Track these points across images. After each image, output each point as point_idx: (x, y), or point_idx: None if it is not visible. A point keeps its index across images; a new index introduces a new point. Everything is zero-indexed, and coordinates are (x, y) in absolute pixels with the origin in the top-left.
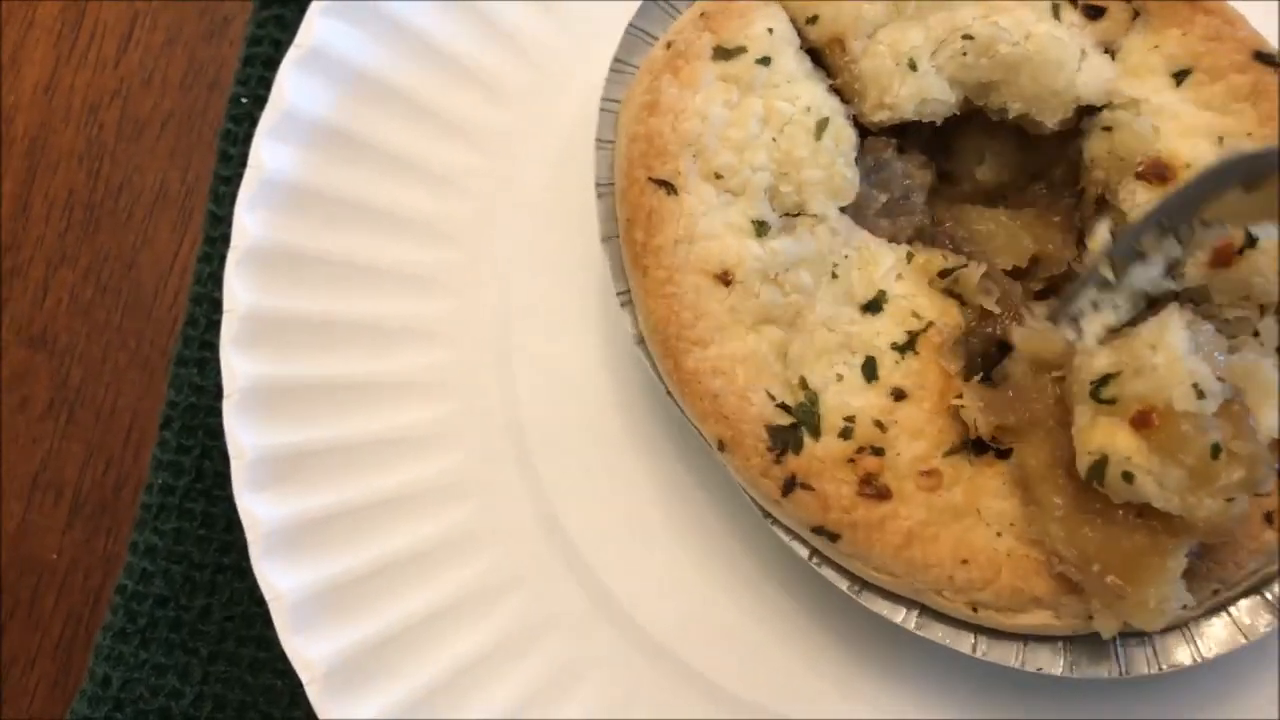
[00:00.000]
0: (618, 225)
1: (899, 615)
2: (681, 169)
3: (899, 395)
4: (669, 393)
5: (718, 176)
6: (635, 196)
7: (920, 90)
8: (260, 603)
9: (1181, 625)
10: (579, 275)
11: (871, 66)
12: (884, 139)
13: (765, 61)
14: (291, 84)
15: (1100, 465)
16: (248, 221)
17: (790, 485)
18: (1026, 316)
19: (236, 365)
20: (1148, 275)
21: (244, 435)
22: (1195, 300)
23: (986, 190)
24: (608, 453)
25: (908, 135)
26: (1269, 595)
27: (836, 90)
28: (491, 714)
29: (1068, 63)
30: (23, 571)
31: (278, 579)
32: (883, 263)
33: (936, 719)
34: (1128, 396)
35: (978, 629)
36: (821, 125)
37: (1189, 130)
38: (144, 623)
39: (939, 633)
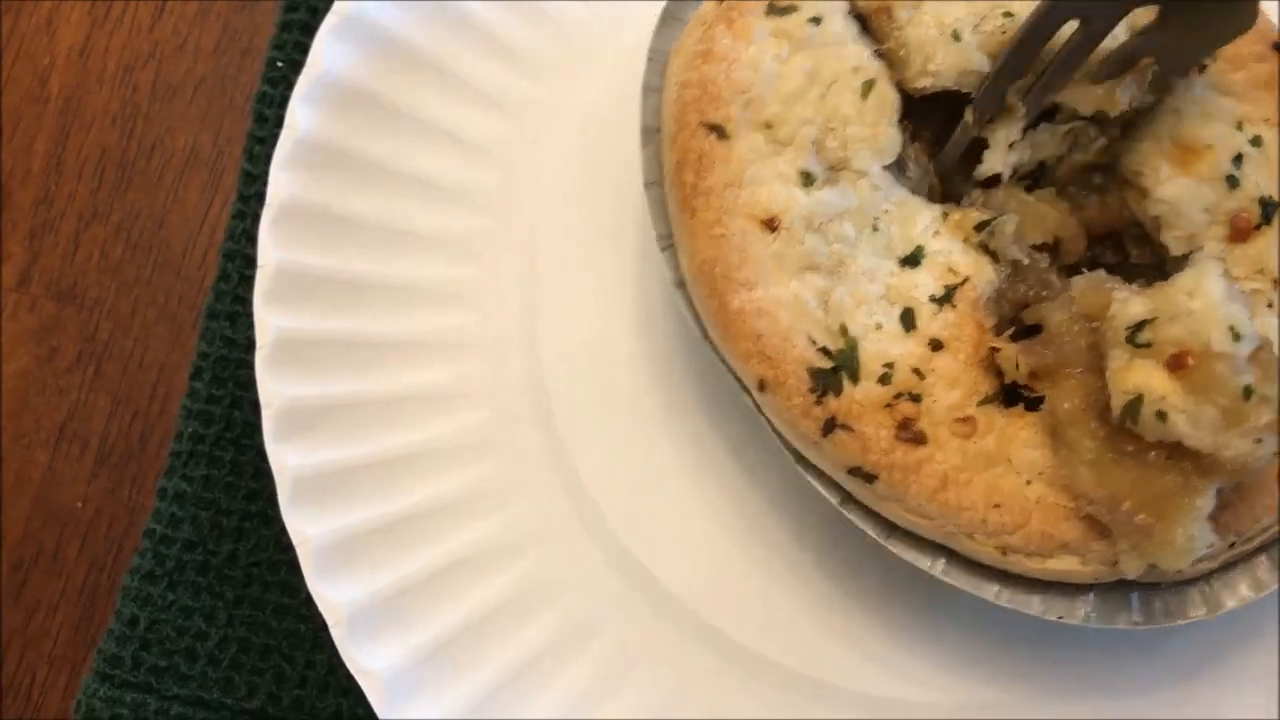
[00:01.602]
0: (662, 171)
1: (926, 563)
2: (733, 115)
3: (936, 346)
4: (705, 336)
5: (767, 126)
6: (686, 140)
7: (962, 60)
8: (285, 549)
9: (1198, 580)
10: (605, 241)
11: (916, 35)
12: (904, 122)
13: (816, 21)
14: (328, 49)
15: (1135, 405)
16: (281, 181)
17: (830, 426)
18: (1054, 281)
19: (268, 319)
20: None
21: (274, 386)
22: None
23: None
24: (628, 412)
25: (933, 113)
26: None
27: (881, 55)
28: (508, 663)
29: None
30: (47, 519)
31: (304, 525)
32: (921, 219)
33: (953, 680)
34: (1163, 340)
35: (1002, 576)
36: (868, 86)
37: (1210, 115)
38: (171, 565)
39: (960, 577)
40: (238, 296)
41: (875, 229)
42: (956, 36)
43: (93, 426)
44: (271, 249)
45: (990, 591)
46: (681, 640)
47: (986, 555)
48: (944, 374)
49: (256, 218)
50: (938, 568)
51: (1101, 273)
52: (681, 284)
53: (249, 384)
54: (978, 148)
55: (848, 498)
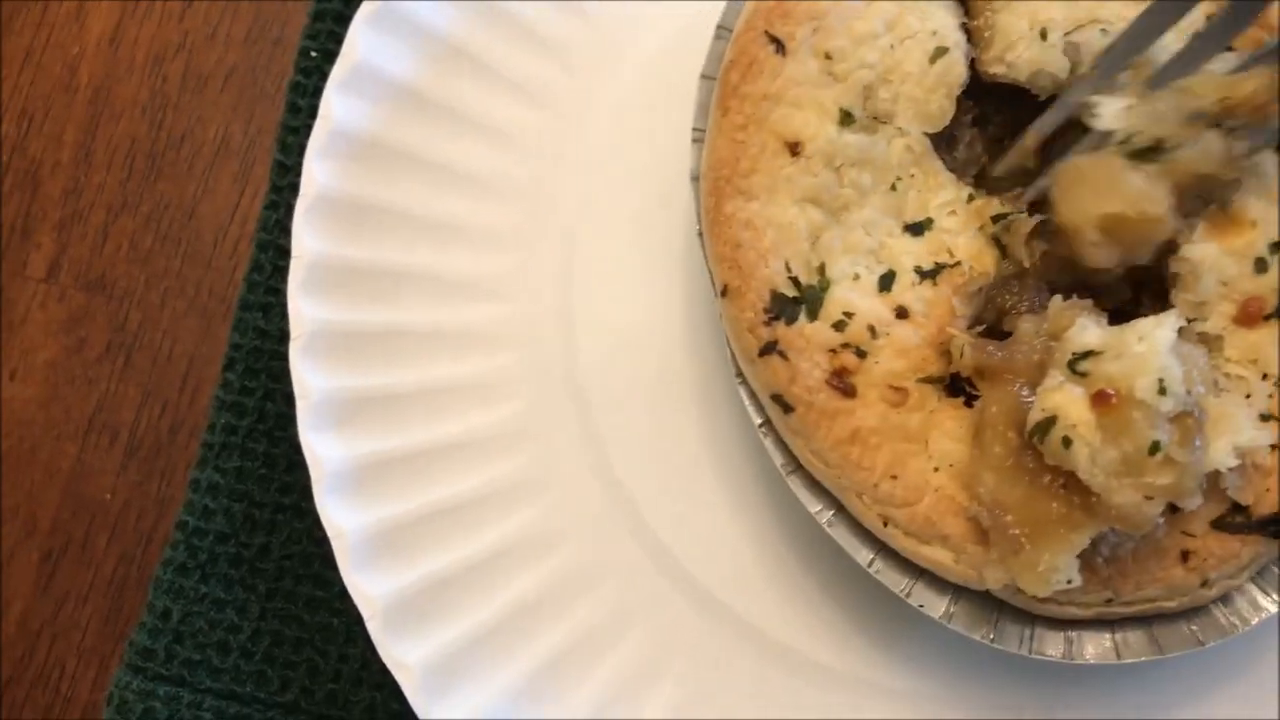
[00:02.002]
0: (719, 65)
1: (815, 507)
2: (798, 35)
3: (902, 313)
4: (700, 233)
5: (827, 57)
6: (746, 43)
7: (1040, 60)
8: (318, 542)
9: (1066, 625)
10: (640, 233)
11: (1007, 21)
12: (970, 102)
13: None
14: (362, 38)
15: (1046, 424)
16: (316, 171)
17: (769, 348)
18: (1043, 302)
19: (303, 309)
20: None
21: (309, 377)
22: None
23: None
24: (664, 406)
25: (1007, 107)
26: (1156, 633)
27: (966, 30)
28: (544, 656)
29: (1193, 88)
30: (76, 510)
31: (339, 517)
32: (942, 194)
33: (996, 679)
34: (1099, 374)
35: (880, 547)
36: (939, 52)
37: (1268, 194)
38: (204, 558)
39: (843, 533)
40: (271, 287)
41: (893, 188)
42: (1044, 35)
43: (122, 418)
44: (306, 239)
45: (865, 558)
46: (719, 635)
47: (868, 520)
48: (898, 342)
49: (290, 208)
50: (824, 517)
51: (1087, 303)
52: (696, 179)
53: (282, 376)
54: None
55: (768, 422)
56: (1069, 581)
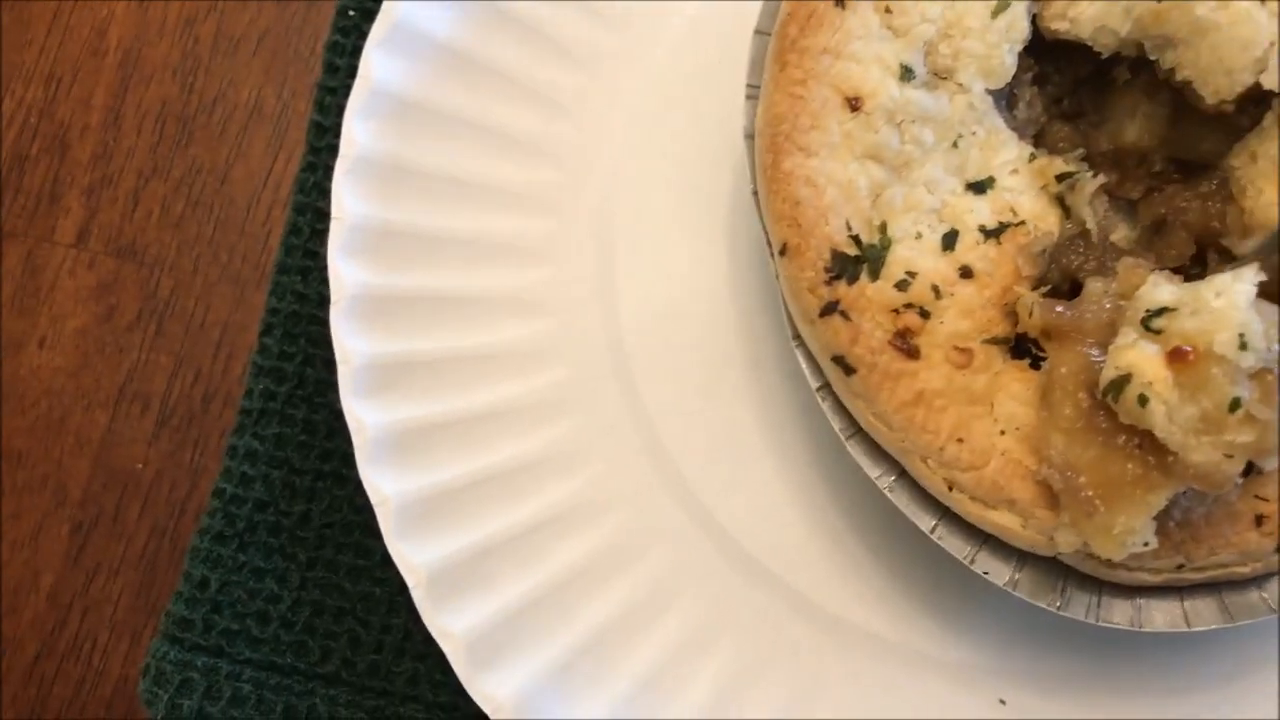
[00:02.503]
0: (773, 21)
1: (875, 472)
2: None
3: (966, 273)
4: (754, 192)
5: (887, 10)
6: None
7: (1104, 16)
8: (359, 510)
9: (1134, 592)
10: (681, 197)
11: None
12: (1030, 60)
13: None
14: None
15: (1121, 382)
16: (357, 131)
17: (831, 308)
18: (1110, 262)
19: (344, 272)
20: None
21: (350, 341)
22: None
23: (1120, 152)
24: (707, 371)
25: (1061, 67)
26: (1226, 600)
27: None
28: (591, 624)
29: (1254, 46)
30: (108, 481)
31: (383, 483)
32: (1004, 153)
33: (1048, 650)
34: (1174, 331)
35: (943, 513)
36: (1002, 6)
37: None
38: (242, 526)
39: (904, 499)
40: (309, 251)
41: (955, 145)
42: None
43: (154, 387)
44: (347, 200)
45: (927, 523)
46: (768, 605)
47: (932, 484)
48: (962, 302)
49: (328, 170)
50: (885, 481)
51: (1157, 269)
52: (751, 136)
53: (321, 340)
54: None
55: (826, 386)
56: (1145, 544)
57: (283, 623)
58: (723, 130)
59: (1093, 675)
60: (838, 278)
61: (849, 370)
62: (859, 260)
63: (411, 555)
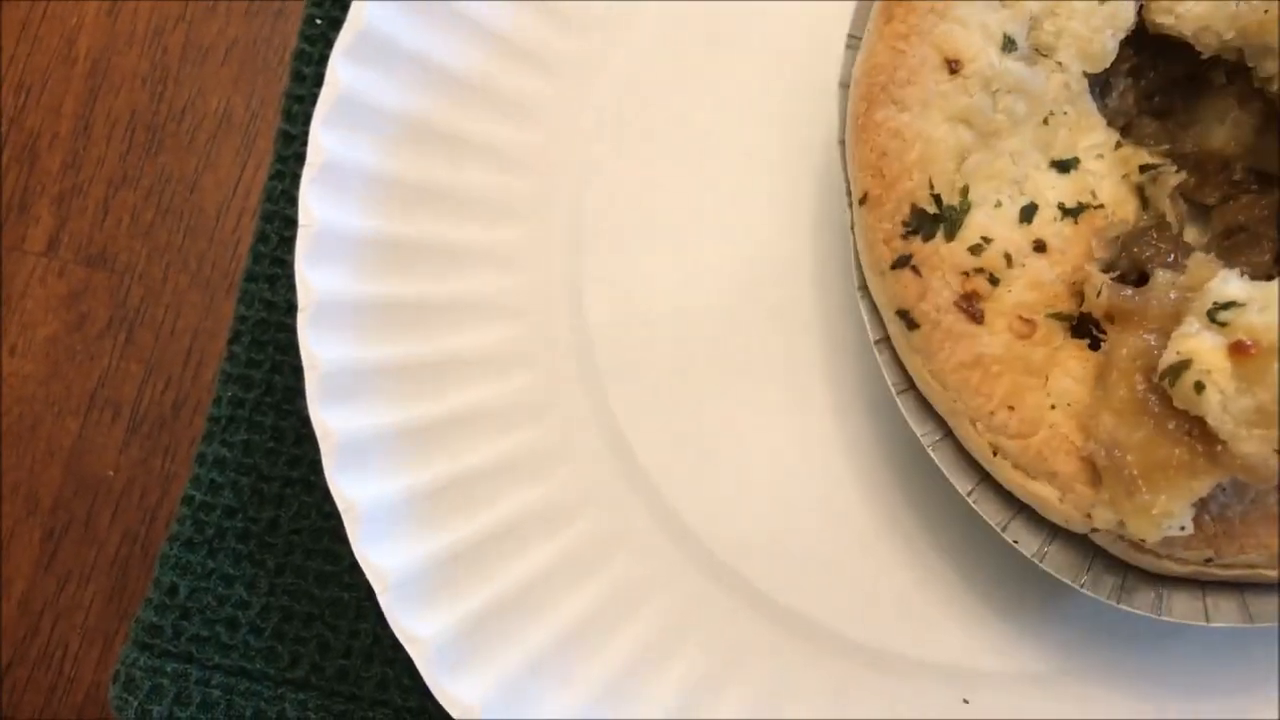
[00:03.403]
0: None
1: (923, 429)
2: None
3: (1040, 247)
4: (841, 141)
5: None
6: None
7: (1210, 16)
8: (327, 516)
9: (1159, 580)
10: (648, 202)
11: None
12: (1130, 51)
13: None
14: (369, 6)
15: (1180, 367)
16: (323, 139)
17: (903, 261)
18: (1181, 258)
19: (310, 279)
20: None
21: (317, 348)
22: None
23: (1204, 155)
24: (674, 376)
25: (1159, 64)
26: (1249, 601)
27: None
28: (558, 627)
29: None
30: (79, 488)
31: (349, 490)
32: (1093, 136)
33: (1015, 648)
34: (1239, 324)
35: (982, 478)
36: None
37: None
38: (211, 533)
39: (948, 457)
40: (277, 259)
41: (1045, 122)
42: None
43: (124, 394)
44: (313, 208)
45: (965, 485)
46: (735, 607)
47: (977, 448)
48: (1032, 273)
49: (295, 178)
50: (929, 439)
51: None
52: (846, 85)
53: (289, 347)
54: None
55: (884, 339)
56: (1181, 528)
57: (252, 628)
58: (689, 131)
59: (1058, 675)
60: (914, 233)
61: (912, 325)
62: (937, 219)
63: (378, 560)
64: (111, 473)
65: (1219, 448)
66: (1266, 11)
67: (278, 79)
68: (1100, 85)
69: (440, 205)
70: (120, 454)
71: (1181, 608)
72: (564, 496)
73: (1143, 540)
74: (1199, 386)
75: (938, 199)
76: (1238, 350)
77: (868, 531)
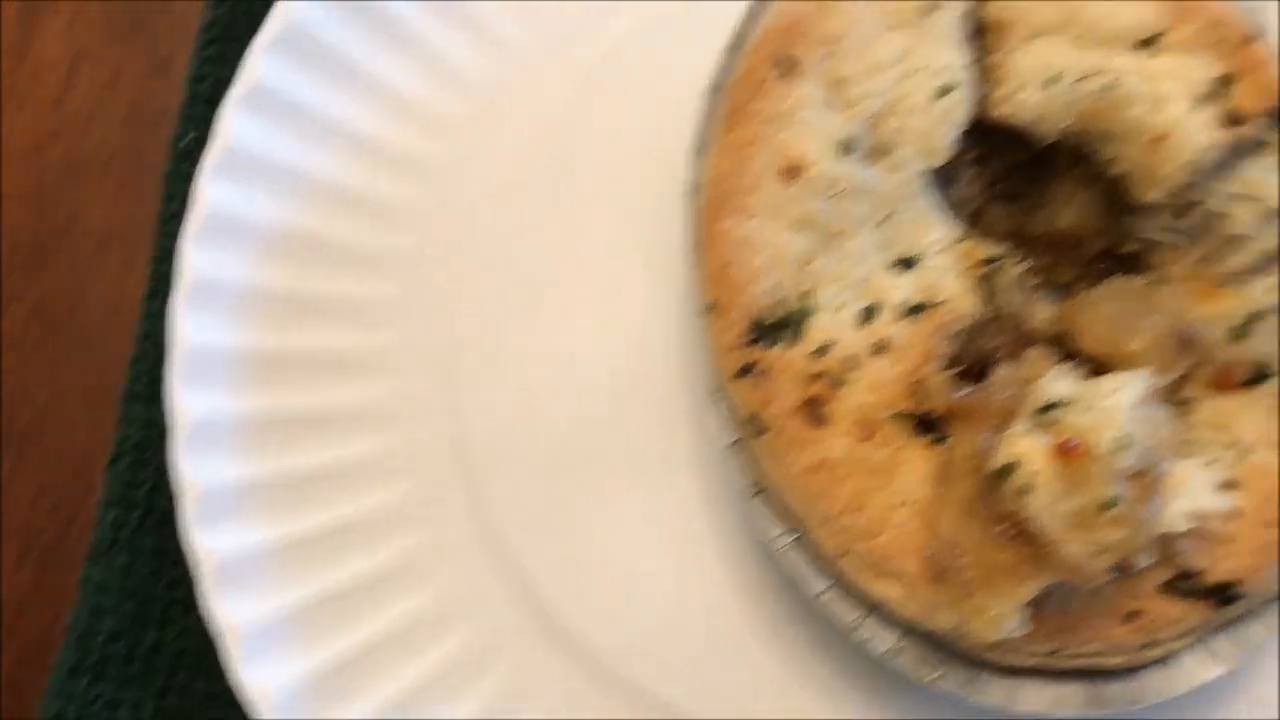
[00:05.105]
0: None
1: (774, 532)
2: (809, 60)
3: (881, 347)
4: (687, 250)
5: (837, 83)
6: (757, 63)
7: (1046, 105)
8: (211, 636)
9: (1010, 672)
10: (521, 302)
11: (1019, 63)
12: (972, 142)
13: (928, 10)
14: (234, 122)
15: (1007, 469)
16: (192, 257)
17: (748, 369)
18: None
19: (181, 400)
20: None
21: (189, 470)
22: None
23: (1054, 238)
24: (557, 479)
25: (1003, 151)
26: (1096, 689)
27: (980, 68)
28: None
29: (1186, 152)
30: None
31: (225, 613)
32: (935, 232)
33: None
34: (1066, 424)
35: (835, 579)
36: (946, 89)
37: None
38: (96, 659)
39: (798, 564)
40: (154, 377)
41: (887, 220)
42: (1054, 81)
43: (17, 518)
44: (182, 328)
45: (817, 586)
46: (623, 711)
47: (826, 549)
48: (873, 375)
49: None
50: (781, 541)
51: (1064, 362)
52: (695, 191)
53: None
54: None
55: (739, 441)
56: (1013, 632)
57: None
58: (560, 230)
59: None
60: (757, 340)
61: (760, 430)
62: (780, 325)
63: (257, 681)
64: (3, 596)
65: (1043, 550)
66: (1102, 100)
67: (156, 193)
68: (946, 176)
69: (313, 316)
70: (14, 576)
71: (1031, 699)
72: (444, 605)
73: (986, 643)
74: (1025, 489)
75: (782, 305)
76: (1063, 452)
77: (741, 625)
